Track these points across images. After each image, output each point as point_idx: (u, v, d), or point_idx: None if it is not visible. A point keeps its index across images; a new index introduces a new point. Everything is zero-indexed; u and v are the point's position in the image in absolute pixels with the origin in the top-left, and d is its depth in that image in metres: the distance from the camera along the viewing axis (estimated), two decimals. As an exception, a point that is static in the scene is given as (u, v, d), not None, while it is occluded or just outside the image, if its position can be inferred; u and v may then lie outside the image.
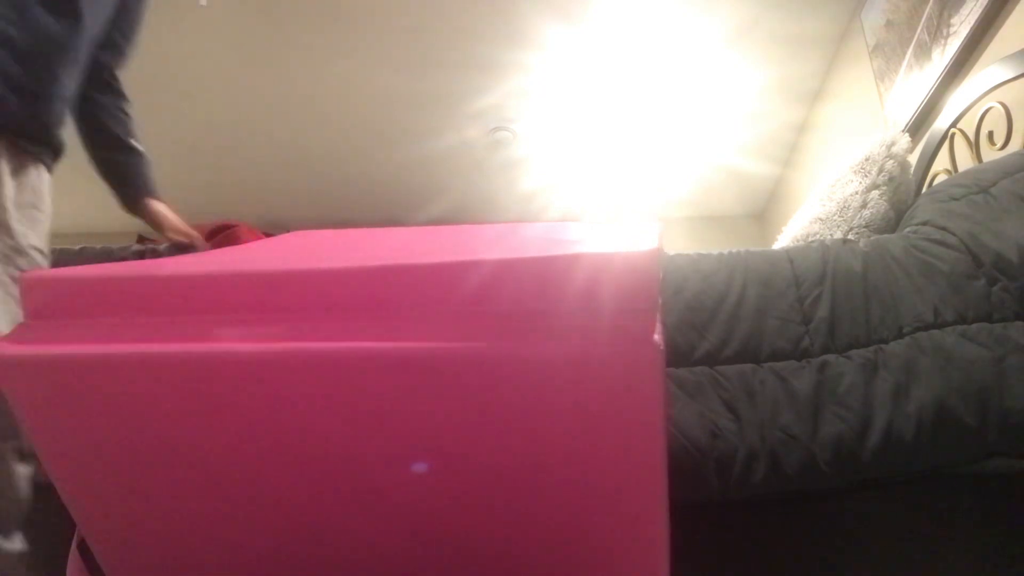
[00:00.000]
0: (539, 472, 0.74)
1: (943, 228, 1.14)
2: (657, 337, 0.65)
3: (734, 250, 1.18)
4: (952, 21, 1.92)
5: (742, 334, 1.04)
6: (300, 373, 0.71)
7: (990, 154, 1.59)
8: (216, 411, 0.74)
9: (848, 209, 1.53)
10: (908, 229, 1.24)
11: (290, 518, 0.81)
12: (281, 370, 0.71)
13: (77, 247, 1.32)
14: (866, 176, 1.55)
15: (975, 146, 1.68)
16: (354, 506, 0.79)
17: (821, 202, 1.65)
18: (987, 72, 1.66)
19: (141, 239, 1.60)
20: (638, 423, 0.69)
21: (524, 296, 0.70)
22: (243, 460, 0.77)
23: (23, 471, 0.92)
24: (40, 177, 1.01)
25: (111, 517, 0.84)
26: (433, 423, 0.72)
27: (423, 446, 0.74)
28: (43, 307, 0.77)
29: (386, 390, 0.71)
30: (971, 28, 1.80)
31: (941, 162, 1.81)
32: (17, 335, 0.76)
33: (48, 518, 0.91)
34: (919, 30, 2.10)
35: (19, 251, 0.96)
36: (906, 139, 1.59)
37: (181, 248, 1.33)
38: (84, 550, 0.87)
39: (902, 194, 1.52)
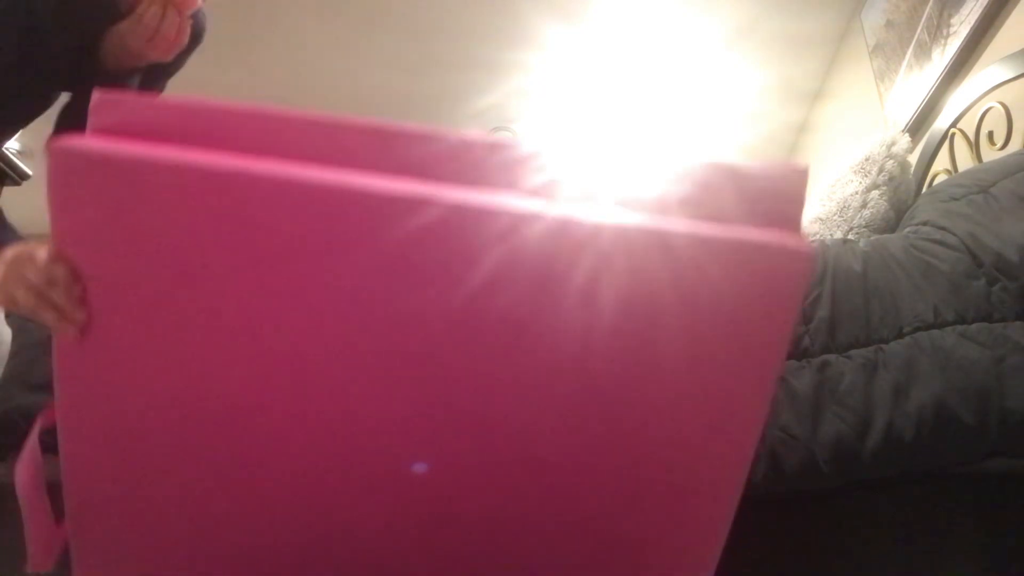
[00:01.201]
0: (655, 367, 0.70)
1: (943, 228, 1.14)
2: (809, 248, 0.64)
3: (734, 250, 1.18)
4: (952, 21, 1.92)
5: (742, 334, 1.04)
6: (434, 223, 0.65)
7: (990, 154, 1.59)
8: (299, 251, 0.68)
9: (848, 209, 1.53)
10: (908, 229, 1.24)
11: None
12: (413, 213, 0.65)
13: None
14: (866, 176, 1.55)
15: (975, 146, 1.68)
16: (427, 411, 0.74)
17: (821, 202, 1.65)
18: (987, 72, 1.65)
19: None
20: (768, 338, 0.67)
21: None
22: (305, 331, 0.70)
23: None
24: None
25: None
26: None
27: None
28: (113, 130, 0.69)
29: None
30: (971, 28, 1.80)
31: (941, 162, 1.81)
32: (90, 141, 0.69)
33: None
34: (919, 30, 2.10)
35: None
36: (906, 139, 1.59)
37: None
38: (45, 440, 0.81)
39: (902, 194, 1.52)
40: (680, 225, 0.66)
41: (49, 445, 0.80)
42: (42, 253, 0.70)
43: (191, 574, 0.85)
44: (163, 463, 0.78)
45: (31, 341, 1.06)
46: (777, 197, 0.68)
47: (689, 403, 0.71)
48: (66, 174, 0.68)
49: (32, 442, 0.81)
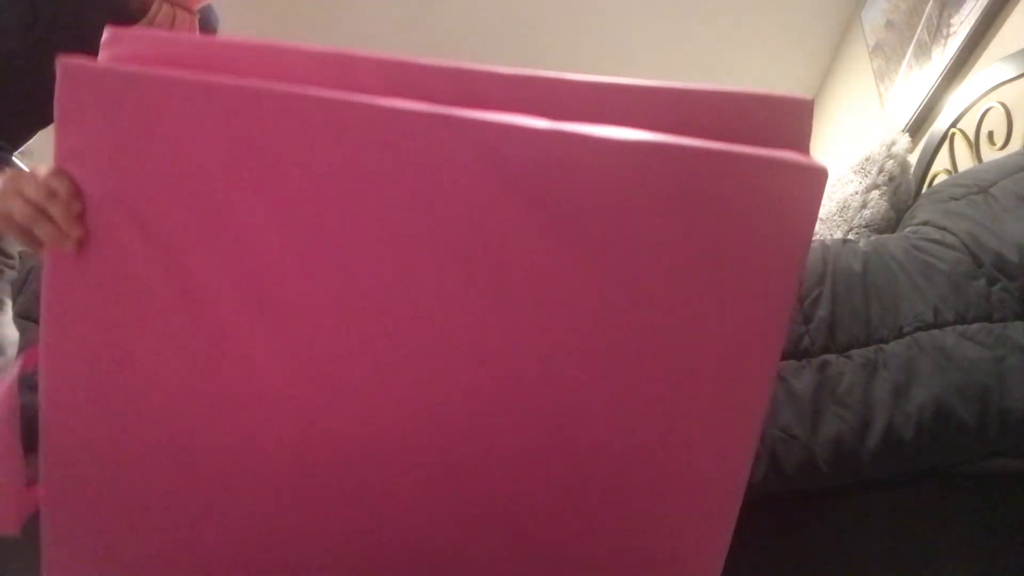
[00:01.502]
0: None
1: (943, 228, 1.14)
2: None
3: (734, 250, 1.18)
4: (952, 21, 1.92)
5: (742, 334, 1.04)
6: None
7: (990, 154, 1.59)
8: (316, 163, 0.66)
9: (848, 209, 1.53)
10: (908, 229, 1.24)
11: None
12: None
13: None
14: (866, 176, 1.55)
15: (975, 146, 1.67)
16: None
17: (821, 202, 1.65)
18: (987, 72, 1.65)
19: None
20: (782, 257, 0.67)
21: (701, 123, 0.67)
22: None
23: None
24: None
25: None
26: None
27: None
28: (124, 60, 0.69)
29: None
30: (971, 28, 1.80)
31: (941, 162, 1.81)
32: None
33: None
34: (919, 30, 2.09)
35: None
36: (906, 139, 1.58)
37: None
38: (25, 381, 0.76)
39: (902, 194, 1.52)
40: (695, 143, 0.65)
41: (29, 444, 0.78)
42: (43, 170, 0.69)
43: (175, 544, 0.79)
44: (152, 402, 0.74)
45: (34, 339, 1.05)
46: (784, 123, 0.68)
47: (704, 323, 0.69)
48: (74, 90, 0.67)
49: (10, 381, 0.77)
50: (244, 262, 0.70)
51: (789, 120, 0.68)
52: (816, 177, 0.65)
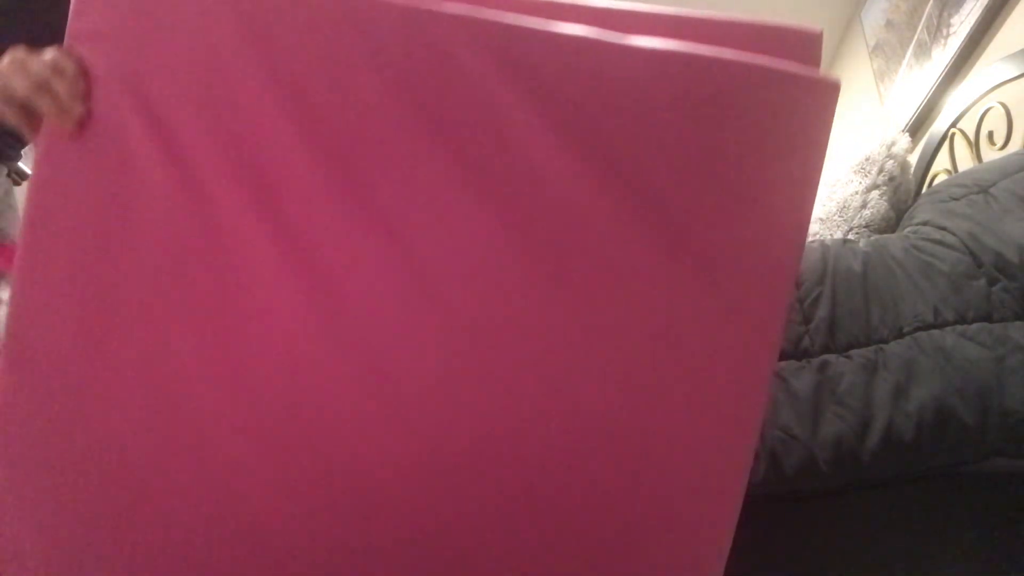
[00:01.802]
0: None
1: (943, 228, 1.14)
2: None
3: (734, 250, 1.17)
4: (952, 21, 1.92)
5: (742, 334, 1.04)
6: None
7: (990, 154, 1.59)
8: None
9: (848, 209, 1.53)
10: (908, 229, 1.24)
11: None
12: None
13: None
14: (866, 176, 1.55)
15: (975, 146, 1.67)
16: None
17: (821, 202, 1.65)
18: (987, 72, 1.65)
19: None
20: (800, 168, 0.67)
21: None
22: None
23: None
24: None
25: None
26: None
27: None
28: None
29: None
30: (971, 28, 1.80)
31: (941, 162, 1.81)
32: None
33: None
34: (919, 30, 2.10)
35: None
36: (906, 139, 1.59)
37: None
38: None
39: (902, 194, 1.52)
40: (715, 52, 0.65)
41: None
42: (50, 51, 0.68)
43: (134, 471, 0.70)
44: (136, 306, 0.69)
45: None
46: (795, 52, 0.69)
47: (718, 248, 0.69)
48: None
49: None
50: (249, 158, 0.67)
51: (799, 49, 0.69)
52: (829, 91, 0.66)
